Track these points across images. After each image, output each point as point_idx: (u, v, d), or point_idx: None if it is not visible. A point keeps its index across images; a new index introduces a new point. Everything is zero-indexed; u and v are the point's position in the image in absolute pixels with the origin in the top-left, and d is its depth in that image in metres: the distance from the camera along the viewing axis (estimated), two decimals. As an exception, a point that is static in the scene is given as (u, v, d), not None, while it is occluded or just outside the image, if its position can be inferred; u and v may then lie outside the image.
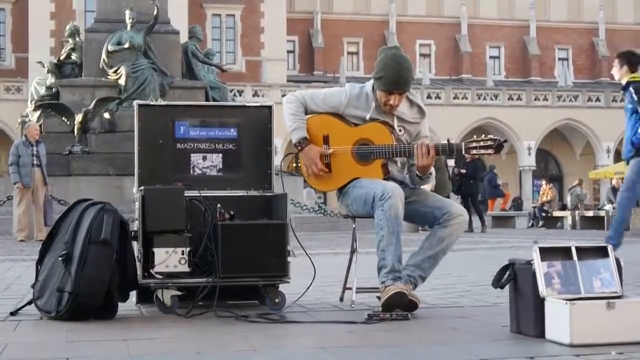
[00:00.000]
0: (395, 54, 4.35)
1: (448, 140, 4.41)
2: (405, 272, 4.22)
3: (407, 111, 4.44)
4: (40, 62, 21.60)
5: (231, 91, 26.46)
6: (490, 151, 4.29)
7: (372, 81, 4.42)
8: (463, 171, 18.64)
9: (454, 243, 4.35)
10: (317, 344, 3.38)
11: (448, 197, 15.87)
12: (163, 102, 4.71)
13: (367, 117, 4.38)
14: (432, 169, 4.44)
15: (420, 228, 15.47)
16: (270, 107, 4.70)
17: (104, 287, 4.03)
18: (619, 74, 8.33)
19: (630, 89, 8.25)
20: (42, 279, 4.18)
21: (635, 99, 8.20)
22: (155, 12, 19.12)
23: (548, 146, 49.64)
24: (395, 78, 4.29)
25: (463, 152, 4.37)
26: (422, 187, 4.48)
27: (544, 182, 29.24)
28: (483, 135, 4.36)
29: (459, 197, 18.59)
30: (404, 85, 4.32)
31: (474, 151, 4.31)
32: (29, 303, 4.23)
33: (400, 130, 4.40)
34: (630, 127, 8.33)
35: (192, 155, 4.58)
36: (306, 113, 4.46)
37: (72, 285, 3.97)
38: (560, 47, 54.42)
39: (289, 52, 50.31)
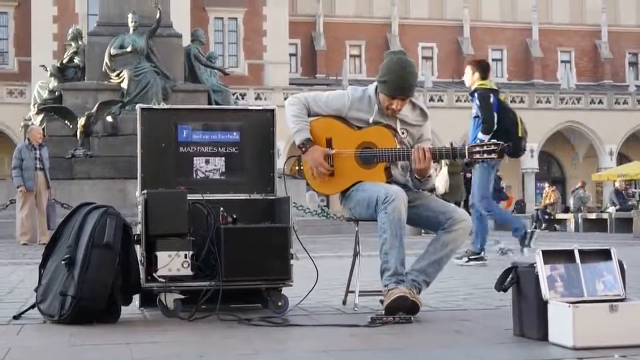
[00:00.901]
0: (401, 58, 4.34)
1: (451, 144, 4.41)
2: (409, 277, 4.23)
3: (409, 114, 4.44)
4: (43, 66, 21.61)
5: (234, 94, 26.47)
6: (493, 156, 4.29)
7: (375, 84, 4.42)
8: (469, 175, 18.62)
9: (458, 248, 4.35)
10: (319, 347, 3.38)
11: (458, 202, 15.96)
12: (165, 106, 4.71)
13: (370, 119, 4.38)
14: (434, 172, 4.44)
15: (422, 231, 15.49)
16: (272, 111, 4.71)
17: (107, 291, 4.03)
18: (471, 80, 8.81)
19: (476, 94, 8.71)
20: (45, 283, 4.18)
21: (478, 104, 8.67)
22: (157, 16, 19.14)
23: (551, 149, 49.61)
24: (399, 83, 4.28)
25: (466, 157, 4.37)
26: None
27: (546, 184, 29.23)
28: (486, 140, 4.35)
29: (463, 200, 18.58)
30: (407, 91, 4.31)
31: (477, 156, 4.31)
32: (32, 307, 4.24)
33: (403, 133, 4.40)
34: (472, 131, 8.80)
35: (194, 158, 4.58)
36: (309, 115, 4.46)
37: (75, 289, 3.98)
38: (562, 49, 54.37)
39: (291, 55, 50.29)
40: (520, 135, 8.68)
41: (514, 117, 8.72)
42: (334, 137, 4.40)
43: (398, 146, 4.33)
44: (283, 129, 4.43)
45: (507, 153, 8.83)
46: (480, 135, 8.53)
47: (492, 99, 8.58)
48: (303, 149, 4.40)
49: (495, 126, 8.47)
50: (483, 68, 8.88)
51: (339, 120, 4.43)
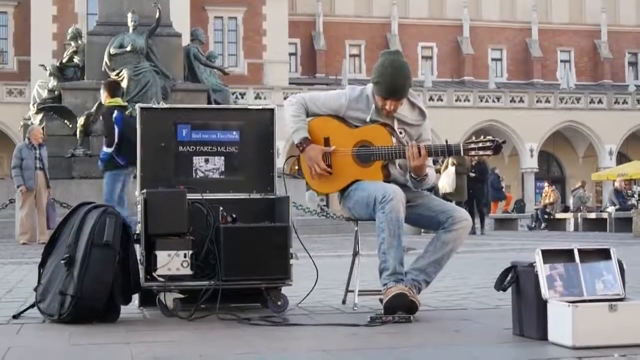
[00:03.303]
0: (394, 60, 4.33)
1: (446, 142, 4.41)
2: (409, 276, 4.22)
3: (408, 114, 4.44)
4: (42, 65, 21.58)
5: (233, 94, 26.47)
6: (488, 152, 4.29)
7: (371, 84, 4.43)
8: (473, 174, 18.63)
9: (458, 247, 4.34)
10: (319, 346, 3.38)
11: (461, 203, 15.95)
12: (165, 105, 4.73)
13: (368, 118, 4.38)
14: (431, 170, 4.43)
15: (422, 231, 15.49)
16: (272, 110, 4.71)
17: (107, 290, 4.03)
18: (103, 98, 10.13)
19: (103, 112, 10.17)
20: (44, 282, 4.18)
21: (102, 120, 10.20)
22: (157, 15, 19.12)
23: (550, 148, 49.62)
24: (391, 85, 4.28)
25: (461, 153, 4.37)
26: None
27: (546, 184, 29.22)
28: (482, 137, 4.35)
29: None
30: (399, 93, 4.31)
31: (473, 152, 4.31)
32: (32, 306, 4.23)
33: (400, 133, 4.40)
34: (100, 146, 10.16)
35: (194, 158, 4.58)
36: (307, 115, 4.46)
37: (74, 288, 3.98)
38: (562, 49, 54.39)
39: (291, 54, 50.32)
40: None
41: (135, 129, 9.95)
42: (331, 136, 4.41)
43: (395, 144, 4.33)
44: (283, 129, 4.43)
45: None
46: (104, 148, 10.02)
47: (115, 115, 9.89)
48: (301, 148, 4.40)
49: (117, 138, 9.81)
50: (112, 88, 10.18)
51: (336, 120, 4.43)
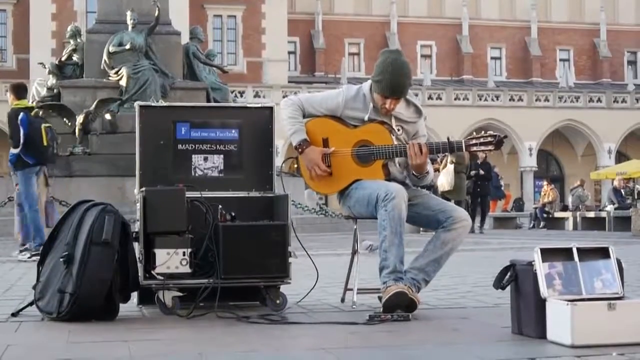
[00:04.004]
0: (395, 59, 4.33)
1: (448, 138, 4.41)
2: (409, 275, 4.22)
3: (404, 111, 4.44)
4: (41, 63, 21.57)
5: (232, 92, 26.48)
6: (490, 147, 4.30)
7: (369, 82, 4.42)
8: (482, 172, 18.61)
9: (458, 247, 4.34)
10: (318, 345, 3.38)
11: (460, 202, 15.93)
12: (164, 103, 4.72)
13: (366, 117, 4.37)
14: (431, 168, 4.43)
15: (420, 229, 15.47)
16: (271, 108, 4.71)
17: (105, 288, 4.03)
18: (10, 101, 10.23)
19: (7, 114, 10.27)
20: (43, 280, 4.18)
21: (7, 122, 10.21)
22: (156, 13, 19.12)
23: (549, 147, 49.62)
24: (392, 84, 4.28)
25: (463, 150, 4.37)
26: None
27: (545, 182, 29.22)
28: (483, 132, 4.36)
29: (470, 197, 18.49)
30: (400, 92, 4.31)
31: (474, 148, 4.32)
32: (31, 304, 4.23)
33: (398, 130, 4.40)
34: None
35: (193, 156, 4.58)
36: (304, 116, 4.45)
37: (73, 286, 3.98)
38: (561, 48, 54.37)
39: (290, 53, 50.29)
40: (45, 144, 10.02)
41: (40, 130, 10.00)
42: (330, 136, 4.40)
43: (395, 143, 4.33)
44: (282, 127, 4.43)
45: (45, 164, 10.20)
46: (11, 150, 10.17)
47: (20, 117, 9.86)
48: (300, 150, 4.39)
49: (23, 139, 9.83)
50: (17, 90, 10.21)
51: (334, 120, 4.42)
